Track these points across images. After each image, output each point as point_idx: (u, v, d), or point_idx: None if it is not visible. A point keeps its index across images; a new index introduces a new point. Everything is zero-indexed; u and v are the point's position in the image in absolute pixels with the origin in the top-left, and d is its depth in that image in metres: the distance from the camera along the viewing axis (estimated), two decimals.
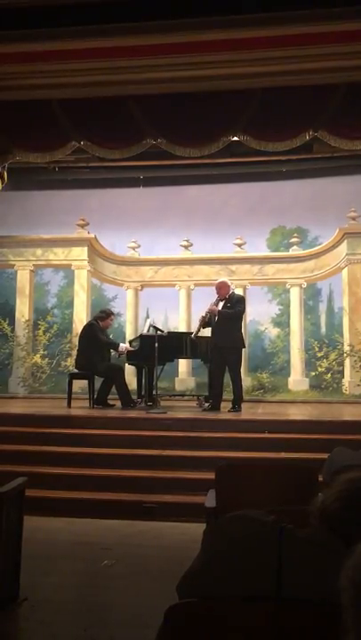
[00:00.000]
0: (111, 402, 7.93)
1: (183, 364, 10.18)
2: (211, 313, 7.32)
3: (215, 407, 7.20)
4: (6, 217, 10.25)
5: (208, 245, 10.60)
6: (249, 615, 1.39)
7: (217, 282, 7.62)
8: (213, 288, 7.53)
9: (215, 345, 7.24)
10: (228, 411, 7.05)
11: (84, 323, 9.35)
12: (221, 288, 7.40)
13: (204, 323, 7.48)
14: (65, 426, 6.45)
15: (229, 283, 7.59)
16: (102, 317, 8.16)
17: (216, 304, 7.32)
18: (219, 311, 7.23)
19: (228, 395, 7.37)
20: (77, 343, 8.31)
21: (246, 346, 9.91)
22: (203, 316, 7.52)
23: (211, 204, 10.47)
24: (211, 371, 7.56)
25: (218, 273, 10.31)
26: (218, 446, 5.79)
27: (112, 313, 8.56)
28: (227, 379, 7.36)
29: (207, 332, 7.54)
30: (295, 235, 10.54)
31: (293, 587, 1.38)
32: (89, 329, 8.03)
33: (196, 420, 6.70)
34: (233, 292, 7.52)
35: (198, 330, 7.54)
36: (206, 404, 7.50)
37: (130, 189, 10.57)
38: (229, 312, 7.20)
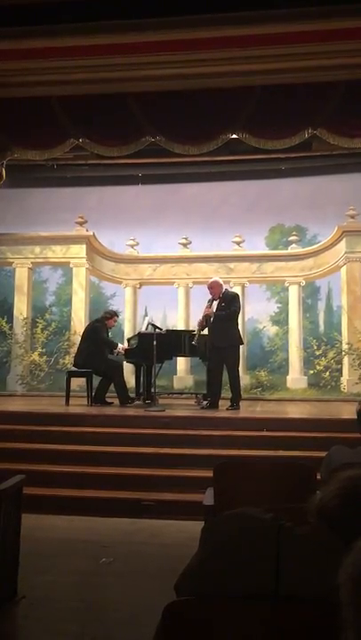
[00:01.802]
0: (109, 400, 7.93)
1: (182, 362, 10.18)
2: (207, 317, 7.29)
3: (213, 405, 7.20)
4: (5, 214, 10.24)
5: (207, 243, 10.60)
6: (247, 613, 1.39)
7: (209, 282, 7.57)
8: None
9: (213, 345, 7.23)
10: (227, 409, 7.05)
11: (83, 321, 9.37)
12: (214, 288, 7.37)
13: (202, 327, 7.44)
14: (63, 424, 6.45)
15: (221, 282, 7.55)
16: (107, 318, 8.22)
17: (210, 306, 7.29)
18: (214, 313, 7.21)
19: (226, 393, 7.37)
20: (80, 341, 8.31)
21: (245, 344, 9.93)
22: (200, 320, 7.48)
23: (209, 201, 10.46)
24: (209, 369, 7.56)
25: (216, 271, 10.31)
26: (216, 444, 5.79)
27: (116, 314, 8.62)
28: (225, 377, 7.36)
29: (205, 330, 7.52)
30: (294, 233, 10.54)
31: (292, 584, 1.38)
32: (95, 328, 8.04)
33: (195, 417, 6.70)
34: (226, 290, 7.48)
35: (198, 335, 7.47)
36: (205, 402, 7.50)
37: (128, 187, 10.57)
38: (224, 314, 7.16)
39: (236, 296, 7.57)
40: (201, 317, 7.46)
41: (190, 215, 10.45)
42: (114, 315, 8.42)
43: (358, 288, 10.01)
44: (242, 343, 7.51)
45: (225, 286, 7.55)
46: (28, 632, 3.00)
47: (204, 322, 7.38)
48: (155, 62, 6.60)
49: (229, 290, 7.74)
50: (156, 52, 6.47)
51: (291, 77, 6.75)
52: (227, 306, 7.22)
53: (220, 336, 7.14)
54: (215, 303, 7.30)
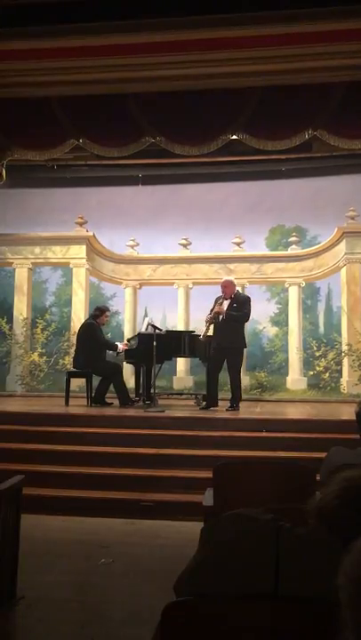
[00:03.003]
0: (109, 400, 7.93)
1: (181, 363, 10.18)
2: (218, 314, 7.14)
3: (210, 406, 7.18)
4: (4, 215, 10.24)
5: (207, 244, 10.60)
6: (246, 613, 1.39)
7: (223, 280, 7.45)
8: (211, 287, 7.48)
9: (218, 345, 7.16)
10: (227, 409, 7.04)
11: (82, 321, 9.34)
12: (227, 287, 7.24)
13: (210, 323, 7.27)
14: (63, 424, 6.44)
15: (235, 282, 7.47)
16: (97, 315, 8.12)
17: (221, 304, 7.18)
18: (226, 313, 7.07)
19: (226, 393, 7.36)
20: (76, 342, 8.30)
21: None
22: (210, 317, 7.22)
23: (210, 202, 10.47)
24: (208, 369, 7.50)
25: (216, 272, 10.33)
26: (216, 445, 5.78)
27: (107, 309, 8.48)
28: (224, 378, 7.33)
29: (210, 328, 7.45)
30: (294, 234, 10.55)
31: (291, 585, 1.38)
32: (87, 328, 8.01)
33: (194, 418, 6.69)
34: (238, 292, 7.39)
35: (206, 331, 7.30)
36: (204, 403, 7.48)
37: (129, 187, 10.57)
38: (238, 315, 7.07)
39: (248, 299, 7.39)
40: (211, 314, 7.21)
41: (190, 216, 10.45)
42: (104, 310, 8.27)
43: (358, 289, 10.01)
44: (245, 346, 7.44)
45: (237, 287, 7.44)
46: (28, 632, 3.00)
47: (213, 319, 7.24)
48: (155, 63, 6.61)
49: (241, 292, 7.58)
50: (156, 52, 6.48)
51: (291, 78, 6.75)
52: (239, 307, 7.11)
53: (226, 337, 7.05)
54: (226, 303, 7.19)
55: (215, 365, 7.28)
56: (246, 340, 7.46)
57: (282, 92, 6.88)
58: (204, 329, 7.36)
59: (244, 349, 7.46)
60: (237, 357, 7.19)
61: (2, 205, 9.82)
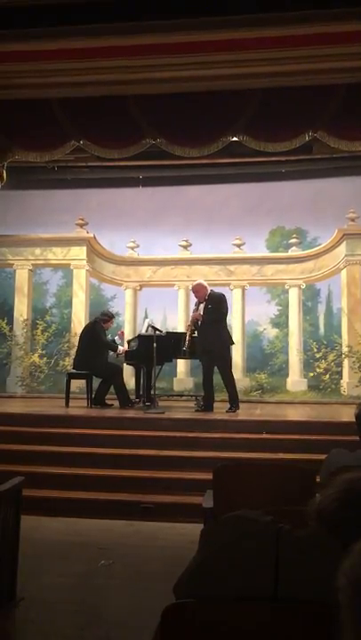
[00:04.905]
0: (109, 402, 7.93)
1: (182, 364, 10.18)
2: (196, 320, 7.28)
3: (207, 408, 7.18)
4: (5, 216, 10.24)
5: (207, 246, 10.60)
6: (246, 615, 1.39)
7: (193, 285, 7.53)
8: (211, 288, 7.48)
9: (204, 349, 7.20)
10: (226, 411, 7.04)
11: (83, 322, 9.37)
12: (199, 291, 7.33)
13: (192, 331, 7.41)
14: (63, 425, 6.44)
15: (206, 284, 7.51)
16: (105, 320, 8.18)
17: (197, 309, 7.28)
18: (203, 317, 7.18)
19: (224, 395, 7.36)
20: (78, 342, 8.30)
21: (245, 346, 9.92)
22: (188, 325, 7.47)
23: (210, 204, 10.47)
24: (203, 373, 7.48)
25: (217, 273, 10.33)
26: (216, 447, 5.79)
27: (113, 316, 8.61)
28: (219, 379, 7.34)
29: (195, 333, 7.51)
30: (294, 235, 10.55)
31: (290, 587, 1.38)
32: (92, 329, 8.03)
33: (194, 420, 6.69)
34: (212, 292, 7.41)
35: (188, 340, 7.37)
36: (202, 404, 7.46)
37: (129, 189, 10.58)
38: (213, 317, 7.11)
39: (222, 297, 7.41)
40: (189, 322, 7.42)
41: (191, 217, 10.45)
42: (111, 317, 8.39)
43: (358, 291, 10.01)
44: (232, 343, 7.48)
45: (210, 288, 7.48)
46: (27, 634, 3.00)
47: (193, 326, 7.36)
48: (156, 65, 6.61)
49: (215, 291, 7.60)
50: (156, 54, 6.48)
51: (291, 80, 6.76)
52: (214, 308, 7.17)
53: (209, 339, 7.10)
54: (202, 306, 7.26)
55: (207, 368, 7.30)
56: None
57: (282, 94, 6.89)
58: (187, 339, 7.39)
59: (232, 348, 7.49)
60: (224, 357, 7.20)
61: (2, 207, 9.83)
